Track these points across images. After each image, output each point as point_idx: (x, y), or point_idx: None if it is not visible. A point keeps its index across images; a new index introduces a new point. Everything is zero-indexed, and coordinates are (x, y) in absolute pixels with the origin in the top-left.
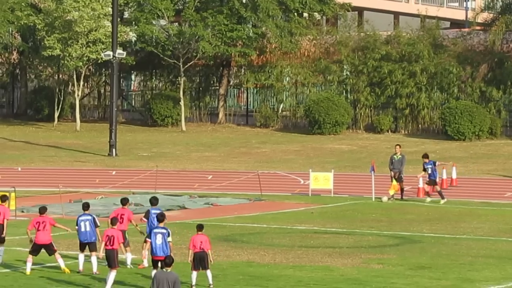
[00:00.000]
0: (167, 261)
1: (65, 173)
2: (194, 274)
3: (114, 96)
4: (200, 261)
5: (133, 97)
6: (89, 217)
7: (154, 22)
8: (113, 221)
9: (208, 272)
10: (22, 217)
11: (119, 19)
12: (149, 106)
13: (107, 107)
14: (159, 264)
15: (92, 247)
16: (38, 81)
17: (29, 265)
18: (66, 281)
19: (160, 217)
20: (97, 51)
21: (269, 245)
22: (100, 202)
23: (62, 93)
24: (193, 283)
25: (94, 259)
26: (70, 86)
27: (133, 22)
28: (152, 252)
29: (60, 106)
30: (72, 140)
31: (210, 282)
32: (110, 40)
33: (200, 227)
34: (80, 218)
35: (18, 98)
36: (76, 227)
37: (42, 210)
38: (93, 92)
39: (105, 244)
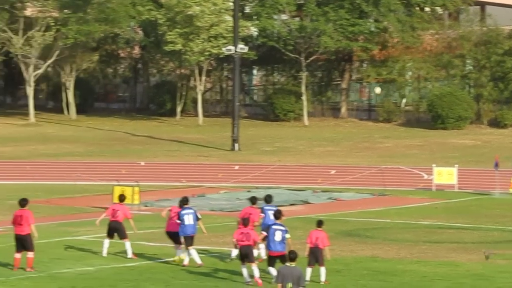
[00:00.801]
0: (292, 256)
1: (188, 168)
2: (308, 270)
3: (236, 90)
4: (313, 257)
5: (255, 91)
6: (192, 211)
7: (275, 16)
8: (246, 221)
9: (322, 269)
10: (145, 211)
11: (240, 14)
12: (271, 101)
13: (229, 101)
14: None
15: (192, 240)
16: (160, 75)
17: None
18: (191, 273)
19: (278, 214)
20: (218, 46)
21: (393, 240)
22: (224, 197)
23: (184, 88)
24: (307, 278)
25: (193, 252)
26: (192, 81)
27: (254, 17)
28: (270, 248)
29: (182, 100)
30: (194, 134)
31: (322, 279)
32: (232, 34)
33: (319, 223)
34: (183, 212)
35: (141, 93)
36: (179, 221)
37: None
38: (215, 87)
39: (240, 241)
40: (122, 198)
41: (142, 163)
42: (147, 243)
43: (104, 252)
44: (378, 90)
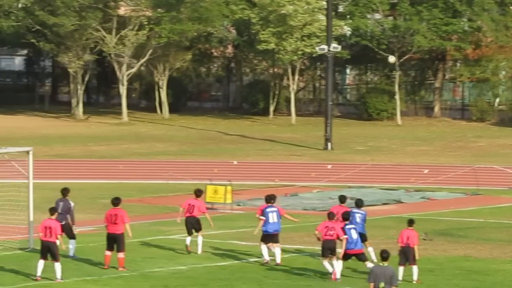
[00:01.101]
0: (384, 256)
1: (280, 167)
2: (400, 269)
3: (329, 89)
4: (403, 256)
5: (348, 90)
6: (276, 209)
7: (368, 16)
8: (331, 216)
9: (414, 268)
10: (238, 211)
11: (333, 13)
12: (364, 100)
13: (322, 101)
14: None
15: (276, 238)
16: (253, 74)
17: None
18: (283, 272)
19: (346, 216)
20: (311, 45)
21: (486, 240)
22: (316, 196)
23: (277, 87)
24: (399, 277)
25: (278, 251)
26: (285, 80)
27: (348, 16)
28: (350, 246)
29: (275, 100)
30: (287, 133)
31: (415, 278)
32: (325, 34)
33: (410, 222)
34: (268, 210)
35: (234, 92)
36: (263, 218)
37: (270, 198)
38: (308, 86)
39: (324, 234)
40: (198, 193)
41: (235, 162)
42: (239, 242)
43: (188, 245)
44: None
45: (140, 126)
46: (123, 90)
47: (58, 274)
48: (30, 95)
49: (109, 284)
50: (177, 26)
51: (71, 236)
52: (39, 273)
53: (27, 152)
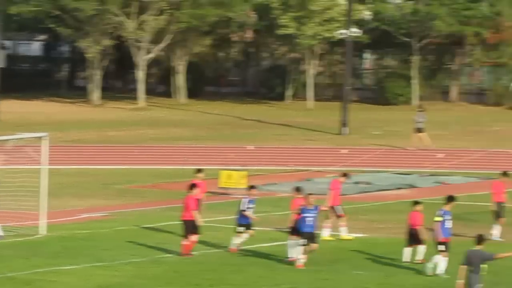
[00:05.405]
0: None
1: (296, 152)
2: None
3: (348, 74)
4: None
5: (366, 75)
6: None
7: (389, 0)
8: None
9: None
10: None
11: None
12: (382, 85)
13: (340, 85)
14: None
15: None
16: (272, 59)
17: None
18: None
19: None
20: (331, 29)
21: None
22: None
23: (295, 72)
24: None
25: None
26: (303, 65)
27: (368, 0)
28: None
29: (292, 84)
30: (303, 118)
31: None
32: (345, 18)
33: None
34: None
35: (251, 77)
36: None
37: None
38: (326, 71)
39: None
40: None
41: (250, 147)
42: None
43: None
44: None
45: (157, 111)
46: (140, 75)
47: None
48: (47, 80)
49: (120, 270)
50: (198, 10)
51: None
52: None
53: (42, 138)
